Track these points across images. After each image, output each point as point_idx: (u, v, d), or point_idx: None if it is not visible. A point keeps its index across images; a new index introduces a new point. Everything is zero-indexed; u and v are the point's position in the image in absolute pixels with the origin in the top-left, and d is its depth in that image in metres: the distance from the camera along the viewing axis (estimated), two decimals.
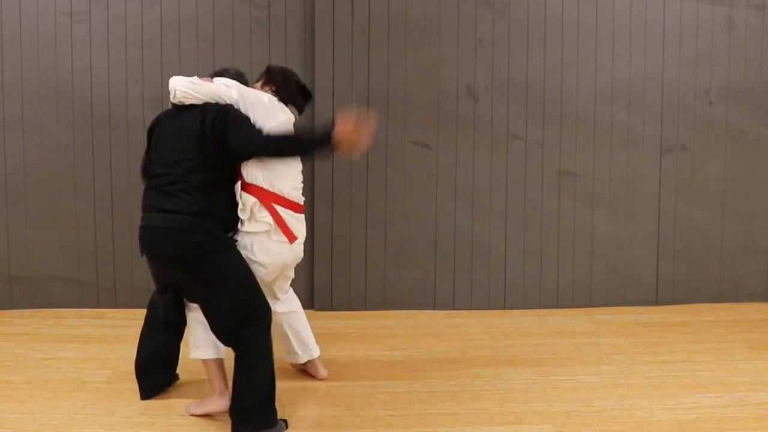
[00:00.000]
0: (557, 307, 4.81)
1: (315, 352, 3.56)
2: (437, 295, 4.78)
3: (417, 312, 4.73)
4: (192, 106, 3.12)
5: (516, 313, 4.71)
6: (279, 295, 3.46)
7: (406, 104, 4.65)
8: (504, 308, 4.80)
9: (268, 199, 3.15)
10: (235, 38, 4.59)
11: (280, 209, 3.17)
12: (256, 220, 3.15)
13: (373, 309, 4.74)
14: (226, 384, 3.19)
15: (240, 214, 3.16)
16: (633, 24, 4.71)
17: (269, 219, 3.15)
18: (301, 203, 3.32)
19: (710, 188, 4.85)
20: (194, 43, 4.56)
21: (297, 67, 4.59)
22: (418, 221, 4.73)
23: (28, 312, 4.58)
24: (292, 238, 3.23)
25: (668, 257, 4.86)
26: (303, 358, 3.54)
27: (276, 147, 3.06)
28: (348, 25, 4.59)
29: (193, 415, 3.19)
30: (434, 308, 4.77)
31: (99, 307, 4.66)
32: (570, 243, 4.80)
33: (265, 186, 3.14)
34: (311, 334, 3.56)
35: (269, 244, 3.18)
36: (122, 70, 4.55)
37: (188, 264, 3.02)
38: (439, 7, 4.62)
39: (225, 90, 3.13)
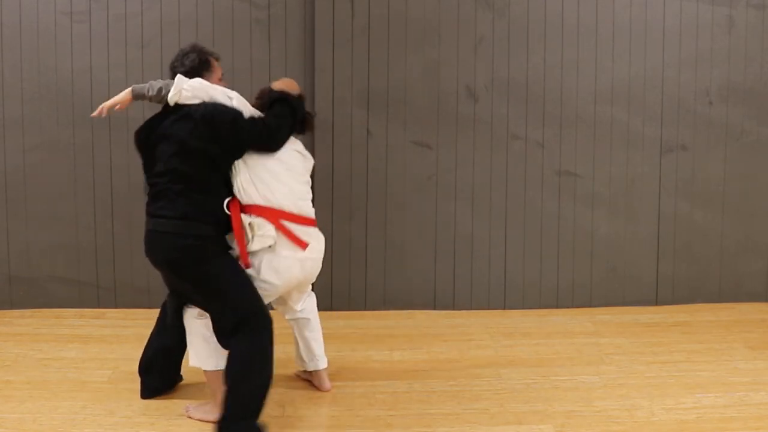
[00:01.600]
0: (557, 307, 4.81)
1: (322, 363, 3.50)
2: (437, 295, 4.78)
3: (417, 312, 4.72)
4: (177, 108, 3.10)
5: (516, 313, 4.71)
6: (295, 306, 3.44)
7: (406, 104, 4.65)
8: (504, 308, 4.80)
9: (269, 214, 3.10)
10: (235, 38, 4.59)
11: (284, 222, 3.12)
12: (259, 237, 3.08)
13: (373, 309, 4.74)
14: None
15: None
16: (633, 24, 4.71)
17: (272, 231, 3.08)
18: (309, 216, 3.24)
19: (710, 188, 4.85)
20: None
21: (297, 67, 4.62)
22: (418, 221, 4.73)
23: (28, 312, 4.58)
24: (302, 244, 3.16)
25: (668, 257, 4.86)
26: (309, 367, 3.51)
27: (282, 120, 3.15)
28: (348, 25, 4.59)
29: (189, 418, 3.18)
30: (434, 308, 4.77)
31: (99, 307, 4.65)
32: (570, 243, 4.80)
33: (262, 203, 3.10)
34: (321, 345, 3.51)
35: (278, 261, 3.13)
36: (122, 70, 4.54)
37: (182, 269, 3.02)
38: (439, 7, 4.62)
39: (227, 101, 3.12)
